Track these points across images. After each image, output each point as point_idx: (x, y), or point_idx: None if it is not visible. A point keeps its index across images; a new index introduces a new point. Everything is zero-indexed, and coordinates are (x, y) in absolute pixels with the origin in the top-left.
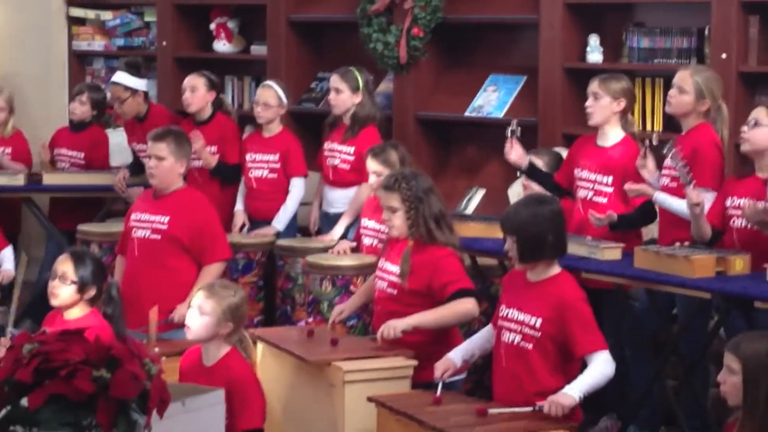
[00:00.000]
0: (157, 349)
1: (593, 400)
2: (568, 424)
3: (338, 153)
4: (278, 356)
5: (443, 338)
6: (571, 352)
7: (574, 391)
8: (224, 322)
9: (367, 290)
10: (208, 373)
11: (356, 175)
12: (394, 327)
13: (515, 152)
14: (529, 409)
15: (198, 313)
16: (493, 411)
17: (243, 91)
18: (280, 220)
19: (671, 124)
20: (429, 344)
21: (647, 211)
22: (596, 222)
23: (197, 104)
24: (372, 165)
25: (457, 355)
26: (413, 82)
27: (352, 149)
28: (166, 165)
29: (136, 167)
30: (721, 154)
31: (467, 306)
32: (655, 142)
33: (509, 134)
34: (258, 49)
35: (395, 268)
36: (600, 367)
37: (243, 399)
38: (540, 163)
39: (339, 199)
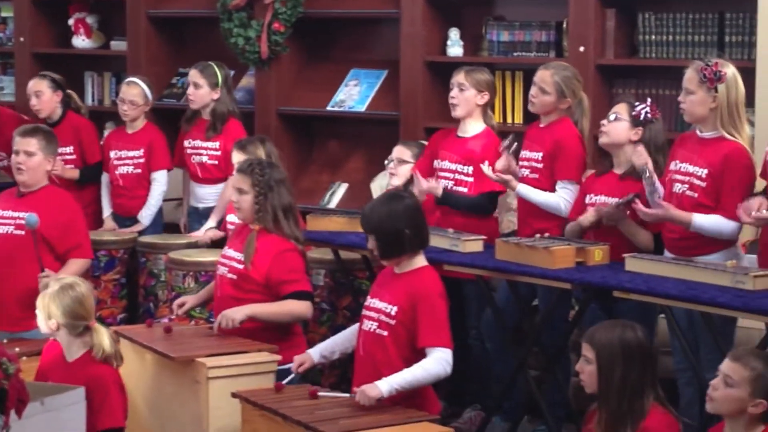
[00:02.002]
0: (18, 349)
1: (457, 392)
2: (428, 416)
3: (204, 150)
4: (141, 353)
5: (280, 325)
6: (415, 342)
7: (384, 383)
8: (71, 321)
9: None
10: (69, 368)
11: (224, 170)
12: (232, 318)
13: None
14: (346, 395)
15: (44, 317)
16: (322, 394)
17: (103, 87)
18: (145, 215)
19: (531, 116)
20: (263, 330)
21: (483, 200)
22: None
23: (47, 109)
24: (238, 157)
25: (316, 351)
26: (275, 77)
27: (217, 144)
28: (36, 161)
29: None
30: (583, 146)
31: (301, 308)
32: (509, 145)
33: (502, 148)
34: (118, 45)
35: (237, 255)
36: (430, 364)
37: (103, 397)
38: (408, 154)
39: (208, 194)
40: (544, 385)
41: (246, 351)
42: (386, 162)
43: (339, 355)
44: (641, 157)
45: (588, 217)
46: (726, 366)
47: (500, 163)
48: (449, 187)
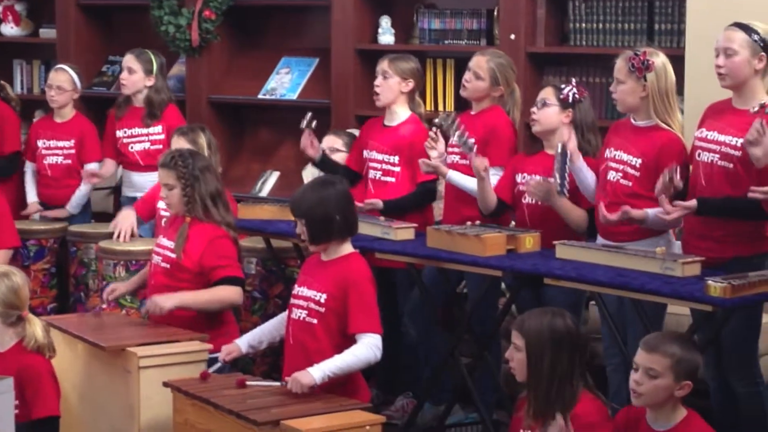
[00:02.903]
0: None
1: (389, 380)
2: (361, 404)
3: (145, 136)
4: (72, 343)
5: (212, 313)
6: (346, 329)
7: (317, 370)
8: (5, 311)
9: (147, 271)
10: (1, 358)
11: None
12: (161, 306)
13: (308, 143)
14: (277, 383)
15: None
16: (250, 383)
17: (32, 75)
18: (73, 204)
19: (462, 104)
20: (195, 319)
21: (424, 191)
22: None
23: None
24: (179, 143)
25: (244, 341)
26: (206, 65)
27: (160, 128)
28: None
29: None
30: (515, 133)
31: (231, 294)
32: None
33: (304, 125)
34: (47, 33)
35: (170, 244)
36: (360, 350)
37: (37, 386)
38: (339, 143)
39: (147, 182)
40: (476, 372)
41: (177, 340)
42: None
43: (267, 344)
44: (564, 135)
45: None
46: (644, 359)
47: (434, 153)
48: (377, 178)
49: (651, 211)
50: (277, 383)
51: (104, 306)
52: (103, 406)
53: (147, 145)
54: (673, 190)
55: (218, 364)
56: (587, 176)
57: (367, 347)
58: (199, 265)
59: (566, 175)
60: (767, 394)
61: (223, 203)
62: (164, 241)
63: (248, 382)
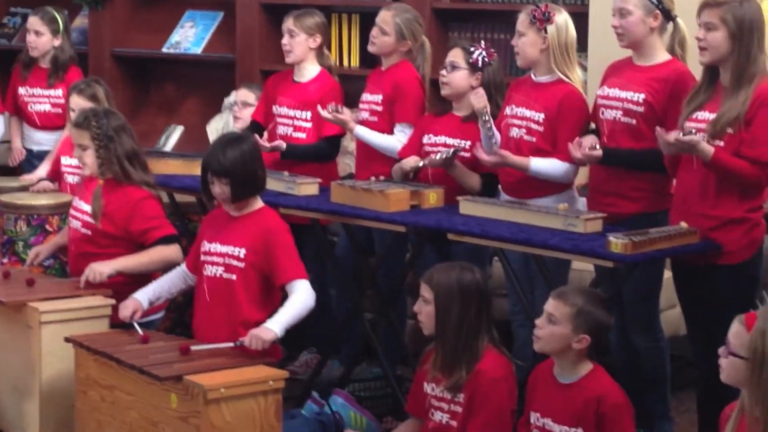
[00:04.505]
0: None
1: (293, 336)
2: (268, 360)
3: (45, 98)
4: None
5: (143, 280)
6: (273, 281)
7: (274, 324)
8: None
9: (67, 232)
10: None
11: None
12: (100, 272)
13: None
14: (230, 344)
15: None
16: (195, 348)
17: None
18: None
19: (368, 60)
20: (128, 285)
21: (326, 146)
22: (261, 148)
23: None
24: (78, 101)
25: (143, 296)
26: (109, 18)
27: (60, 92)
28: None
29: None
30: (423, 89)
31: (171, 253)
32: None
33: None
34: None
35: (88, 208)
36: (301, 296)
37: None
38: (252, 97)
39: (47, 139)
40: (380, 328)
41: (79, 295)
42: (225, 104)
43: (165, 299)
44: (480, 100)
45: (410, 162)
46: (549, 304)
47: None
48: (288, 134)
49: (537, 161)
50: (226, 344)
51: (5, 260)
52: (5, 362)
53: (47, 107)
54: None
55: (135, 325)
56: (496, 136)
57: (306, 292)
58: (124, 230)
59: (494, 142)
60: (668, 349)
61: (140, 162)
62: (82, 204)
63: (192, 347)
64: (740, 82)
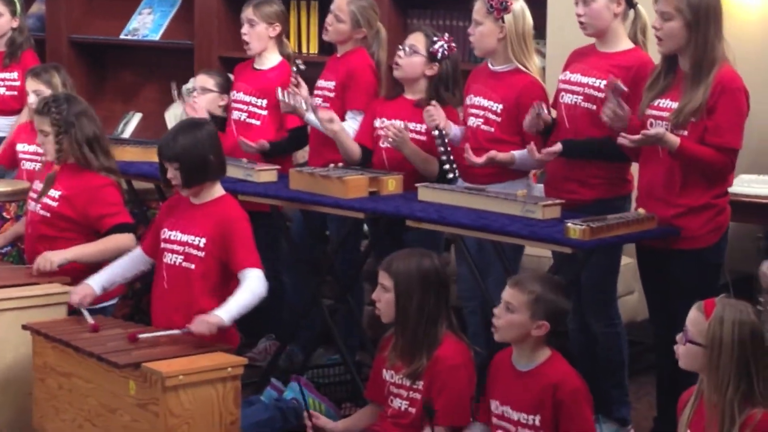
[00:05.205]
0: None
1: (251, 322)
2: (225, 347)
3: (1, 81)
4: None
5: (100, 267)
6: (230, 269)
7: (222, 312)
8: None
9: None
10: None
11: (22, 101)
12: (51, 261)
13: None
14: (177, 331)
15: None
16: (143, 336)
17: None
18: None
19: (326, 47)
20: (86, 272)
21: (298, 136)
22: (246, 148)
23: None
24: (33, 85)
25: (96, 281)
26: (66, 4)
27: (15, 75)
28: None
29: None
30: (376, 76)
31: (124, 241)
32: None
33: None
34: None
35: (52, 192)
36: (251, 285)
37: None
38: (211, 82)
39: (3, 125)
40: (338, 315)
41: (36, 283)
42: (182, 91)
43: (121, 282)
44: (431, 120)
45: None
46: (506, 293)
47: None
48: (242, 120)
49: (517, 153)
50: (173, 331)
51: None
52: None
53: (2, 90)
54: (542, 124)
55: (85, 313)
56: (457, 133)
57: (258, 281)
58: (83, 215)
59: (451, 156)
60: (625, 334)
61: (102, 149)
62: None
63: (140, 335)
64: (700, 70)
